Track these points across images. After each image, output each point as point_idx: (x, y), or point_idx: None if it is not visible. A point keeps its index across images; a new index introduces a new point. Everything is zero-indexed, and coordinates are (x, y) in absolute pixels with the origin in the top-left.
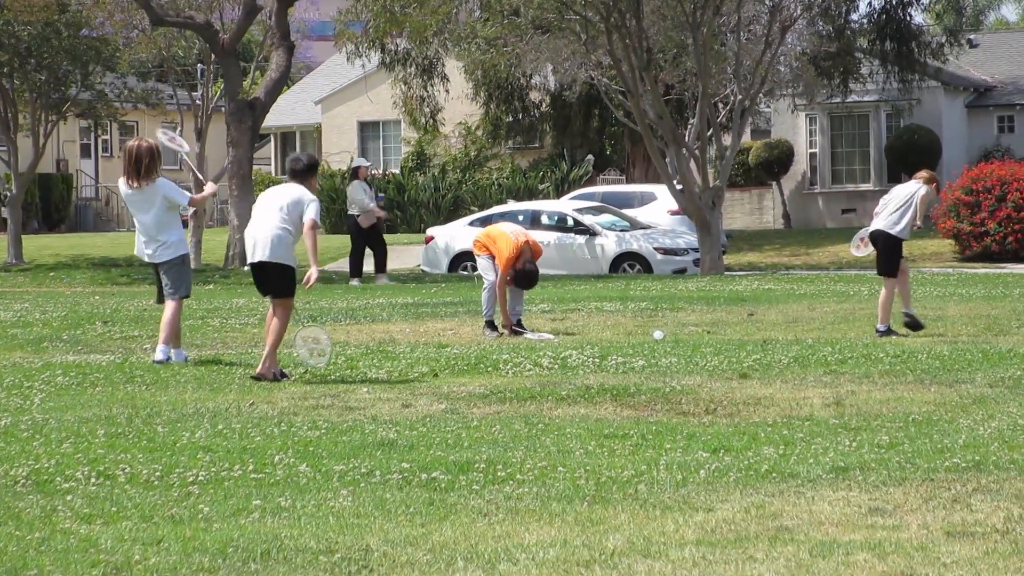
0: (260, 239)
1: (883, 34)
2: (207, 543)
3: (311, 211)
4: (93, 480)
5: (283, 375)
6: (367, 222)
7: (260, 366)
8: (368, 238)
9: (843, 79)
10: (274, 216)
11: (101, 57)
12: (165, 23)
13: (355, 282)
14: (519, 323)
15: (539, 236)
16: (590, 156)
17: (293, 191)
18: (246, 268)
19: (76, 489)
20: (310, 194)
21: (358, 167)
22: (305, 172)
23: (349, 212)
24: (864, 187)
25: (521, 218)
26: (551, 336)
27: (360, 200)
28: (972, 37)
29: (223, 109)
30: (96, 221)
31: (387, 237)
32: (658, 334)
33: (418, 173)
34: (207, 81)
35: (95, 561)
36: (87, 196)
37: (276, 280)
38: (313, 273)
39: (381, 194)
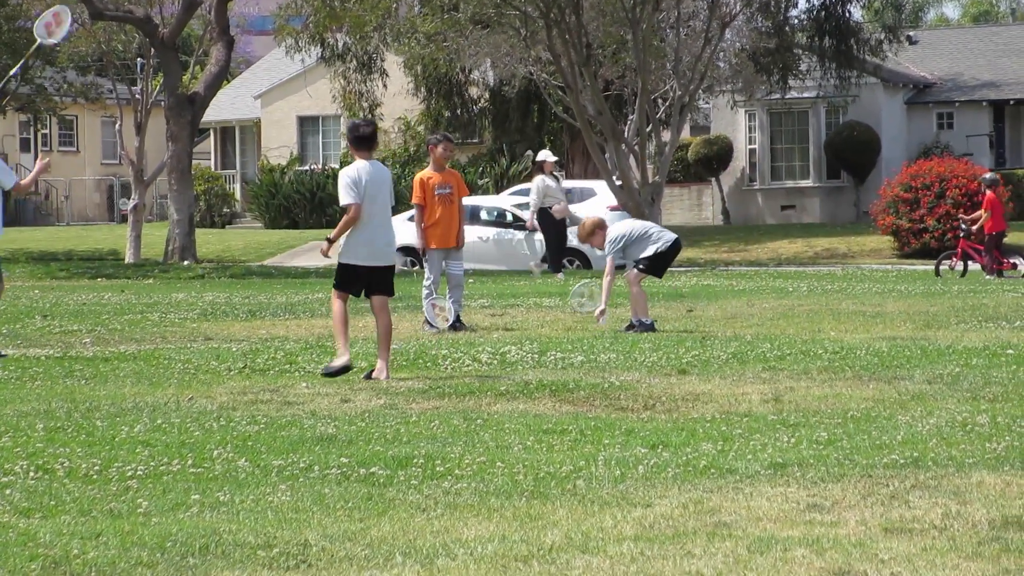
0: (388, 241)
1: (822, 30)
2: (146, 537)
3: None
4: (32, 474)
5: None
6: (561, 213)
7: (383, 372)
8: (559, 230)
9: (782, 75)
10: (388, 211)
11: (40, 51)
12: (104, 17)
13: (560, 276)
14: (458, 318)
15: (478, 231)
16: (529, 151)
17: (384, 174)
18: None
19: (15, 483)
20: (388, 172)
21: (543, 161)
22: (372, 139)
23: (542, 206)
24: (803, 183)
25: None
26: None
27: (533, 200)
28: (911, 34)
29: (163, 103)
30: (35, 215)
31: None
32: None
33: None
34: (147, 75)
35: (33, 555)
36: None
37: (386, 279)
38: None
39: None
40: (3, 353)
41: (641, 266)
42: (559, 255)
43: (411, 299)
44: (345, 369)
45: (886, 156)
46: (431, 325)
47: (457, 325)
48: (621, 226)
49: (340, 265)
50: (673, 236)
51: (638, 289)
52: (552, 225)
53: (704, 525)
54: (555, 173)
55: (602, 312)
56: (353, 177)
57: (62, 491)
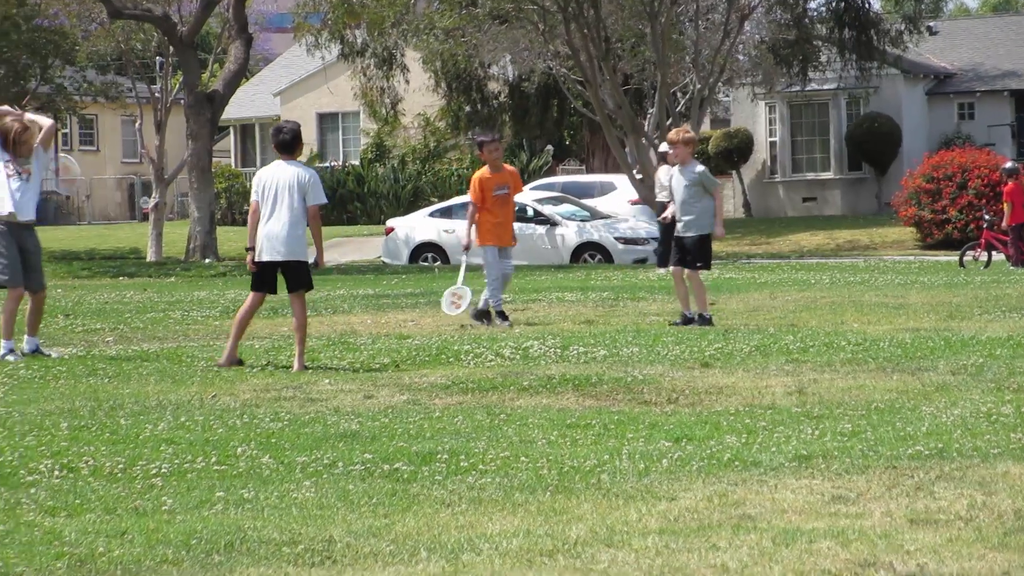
0: (278, 236)
1: (842, 22)
2: (171, 535)
3: (313, 194)
4: (57, 473)
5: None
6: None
7: (296, 362)
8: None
9: (802, 67)
10: (285, 209)
11: (60, 50)
12: (123, 16)
13: (662, 271)
14: (502, 312)
15: None
16: (550, 146)
17: (290, 173)
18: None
19: (40, 482)
20: (307, 171)
21: (666, 152)
22: (292, 143)
23: (658, 199)
24: (824, 175)
25: None
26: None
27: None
28: (932, 24)
29: (182, 102)
30: (57, 215)
31: (346, 229)
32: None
33: (377, 164)
34: (166, 74)
35: (59, 553)
36: (48, 190)
37: (294, 275)
38: (321, 258)
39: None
40: (48, 353)
41: (699, 264)
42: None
43: (433, 295)
44: (238, 363)
45: (907, 147)
46: (503, 319)
47: (483, 317)
48: None
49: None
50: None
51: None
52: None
53: (729, 518)
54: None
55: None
56: (258, 178)
57: (87, 490)
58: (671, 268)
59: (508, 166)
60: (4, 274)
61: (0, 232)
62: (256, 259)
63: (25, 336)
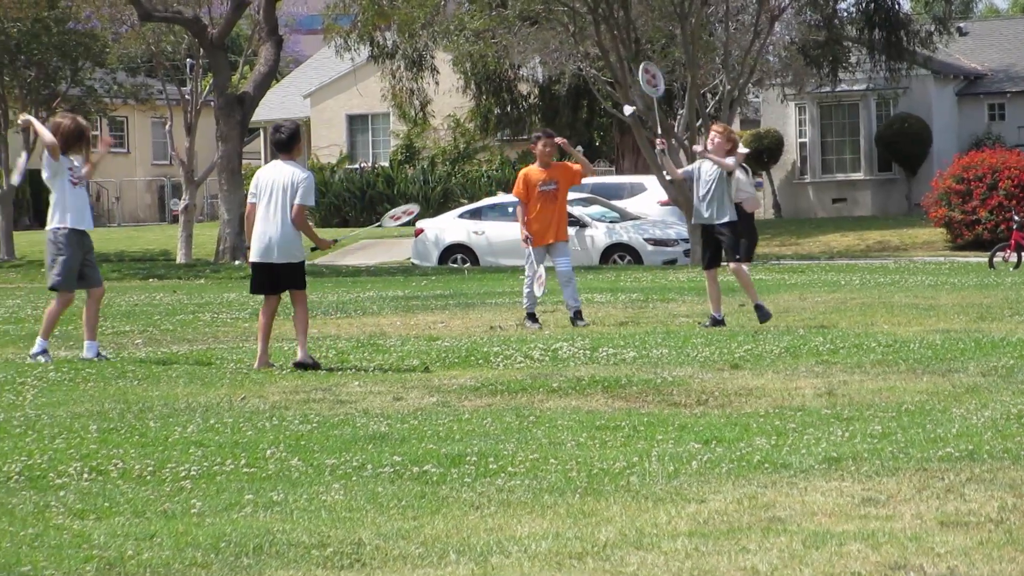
0: (272, 239)
1: (872, 22)
2: (200, 538)
3: (300, 194)
4: (86, 475)
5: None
6: (752, 207)
7: (298, 354)
8: (748, 223)
9: (832, 68)
10: (280, 211)
11: (90, 53)
12: (153, 18)
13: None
14: (578, 314)
15: None
16: (579, 147)
17: (286, 173)
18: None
19: (69, 485)
20: (301, 172)
21: (745, 152)
22: (289, 142)
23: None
24: (855, 176)
25: (511, 210)
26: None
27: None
28: (962, 25)
29: (212, 103)
30: None
31: (377, 230)
32: (628, 109)
33: (407, 166)
34: (196, 76)
35: (88, 556)
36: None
37: (291, 275)
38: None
39: (759, 180)
40: (103, 355)
41: (738, 256)
42: (752, 248)
43: (462, 297)
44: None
45: (937, 148)
46: (532, 321)
47: (576, 321)
48: None
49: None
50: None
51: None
52: (743, 218)
53: (758, 520)
54: (744, 165)
55: None
56: (256, 177)
57: (116, 492)
58: (704, 270)
59: (561, 162)
60: (60, 276)
61: (66, 238)
62: (251, 260)
63: (86, 342)
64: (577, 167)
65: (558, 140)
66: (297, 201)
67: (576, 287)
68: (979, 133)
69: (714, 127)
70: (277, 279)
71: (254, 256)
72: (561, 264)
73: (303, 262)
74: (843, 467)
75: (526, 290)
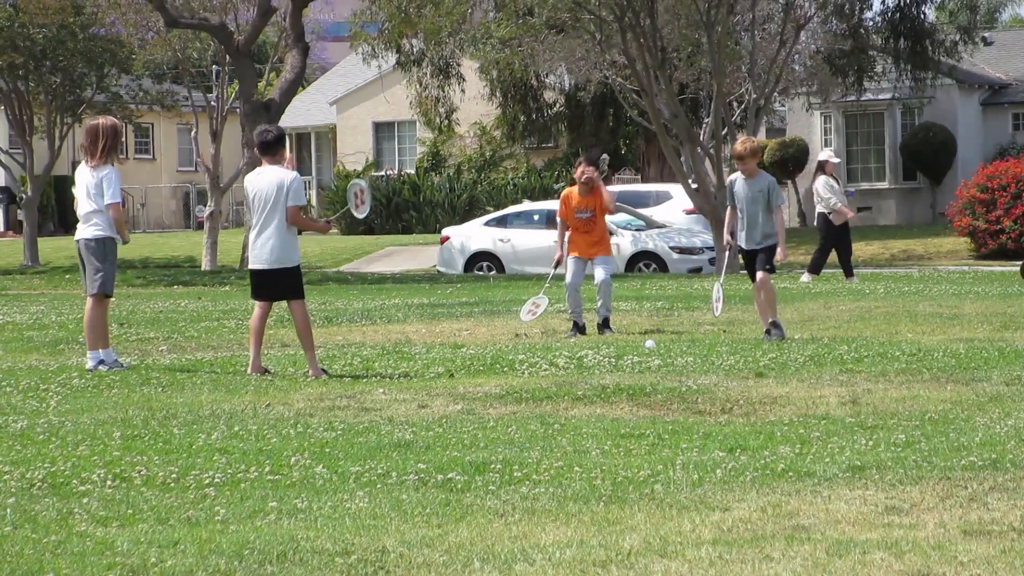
0: (265, 245)
1: (897, 32)
2: (223, 545)
3: (291, 196)
4: (109, 482)
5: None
6: (839, 220)
7: (310, 368)
8: (838, 236)
9: (857, 77)
10: (272, 216)
11: (116, 59)
12: (180, 25)
13: (805, 278)
14: (606, 322)
15: (554, 236)
16: (605, 155)
17: (273, 178)
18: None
19: (92, 492)
20: (289, 174)
21: (825, 161)
22: (275, 144)
23: (818, 210)
24: (879, 185)
25: (537, 218)
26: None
27: (826, 199)
28: (986, 35)
29: (238, 110)
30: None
31: (401, 238)
32: (650, 343)
33: (433, 173)
34: (222, 82)
35: (111, 564)
36: None
37: (285, 283)
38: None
39: (851, 190)
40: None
41: (768, 267)
42: (848, 257)
43: (487, 304)
44: (263, 371)
45: (962, 157)
46: (575, 330)
47: (602, 329)
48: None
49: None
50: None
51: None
52: (831, 229)
53: (782, 528)
54: (835, 174)
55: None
56: (247, 183)
57: (139, 499)
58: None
59: (597, 189)
60: (111, 283)
61: (114, 247)
62: (249, 267)
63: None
64: (604, 199)
65: (589, 174)
66: (290, 203)
67: (610, 296)
68: (1003, 142)
69: (735, 150)
70: (274, 286)
71: (251, 263)
72: (599, 273)
73: (298, 267)
74: (867, 476)
75: (569, 300)
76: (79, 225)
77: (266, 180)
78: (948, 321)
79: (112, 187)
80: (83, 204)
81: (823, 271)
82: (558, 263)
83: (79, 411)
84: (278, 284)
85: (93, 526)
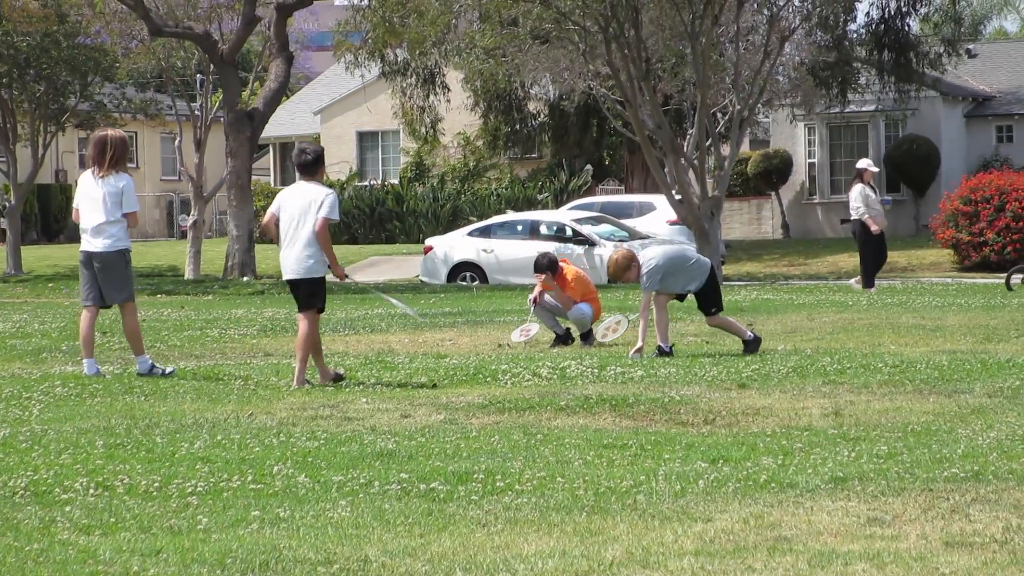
0: (293, 256)
1: (881, 44)
2: (205, 554)
3: (325, 208)
4: (92, 491)
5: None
6: (879, 227)
7: (320, 376)
8: (876, 243)
9: (841, 89)
10: (303, 230)
11: (100, 67)
12: (164, 33)
13: (872, 290)
14: (589, 333)
15: (538, 246)
16: (589, 166)
17: (309, 194)
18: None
19: (75, 500)
20: (324, 190)
21: (863, 169)
22: (314, 165)
23: (852, 217)
24: None
25: (520, 228)
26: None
27: (855, 208)
28: (971, 47)
29: (222, 119)
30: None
31: (385, 247)
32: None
33: (417, 183)
34: (206, 91)
35: (94, 572)
36: None
37: (304, 293)
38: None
39: (887, 198)
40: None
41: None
42: (876, 269)
43: (470, 314)
44: (339, 377)
45: (945, 169)
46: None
47: (584, 340)
48: (654, 255)
49: None
50: (708, 265)
51: (665, 314)
52: (869, 238)
53: (764, 540)
54: (872, 183)
55: (638, 350)
56: (281, 195)
57: (122, 508)
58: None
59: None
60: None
61: (130, 255)
62: (284, 278)
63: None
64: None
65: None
66: (320, 214)
67: (585, 324)
68: (987, 155)
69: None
70: (300, 296)
71: (284, 275)
72: (574, 311)
73: (322, 279)
74: (849, 487)
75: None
76: (87, 237)
77: (301, 196)
78: (931, 333)
79: (132, 196)
80: (94, 215)
81: (876, 281)
82: (534, 301)
83: (62, 419)
84: (301, 293)
85: (75, 534)
